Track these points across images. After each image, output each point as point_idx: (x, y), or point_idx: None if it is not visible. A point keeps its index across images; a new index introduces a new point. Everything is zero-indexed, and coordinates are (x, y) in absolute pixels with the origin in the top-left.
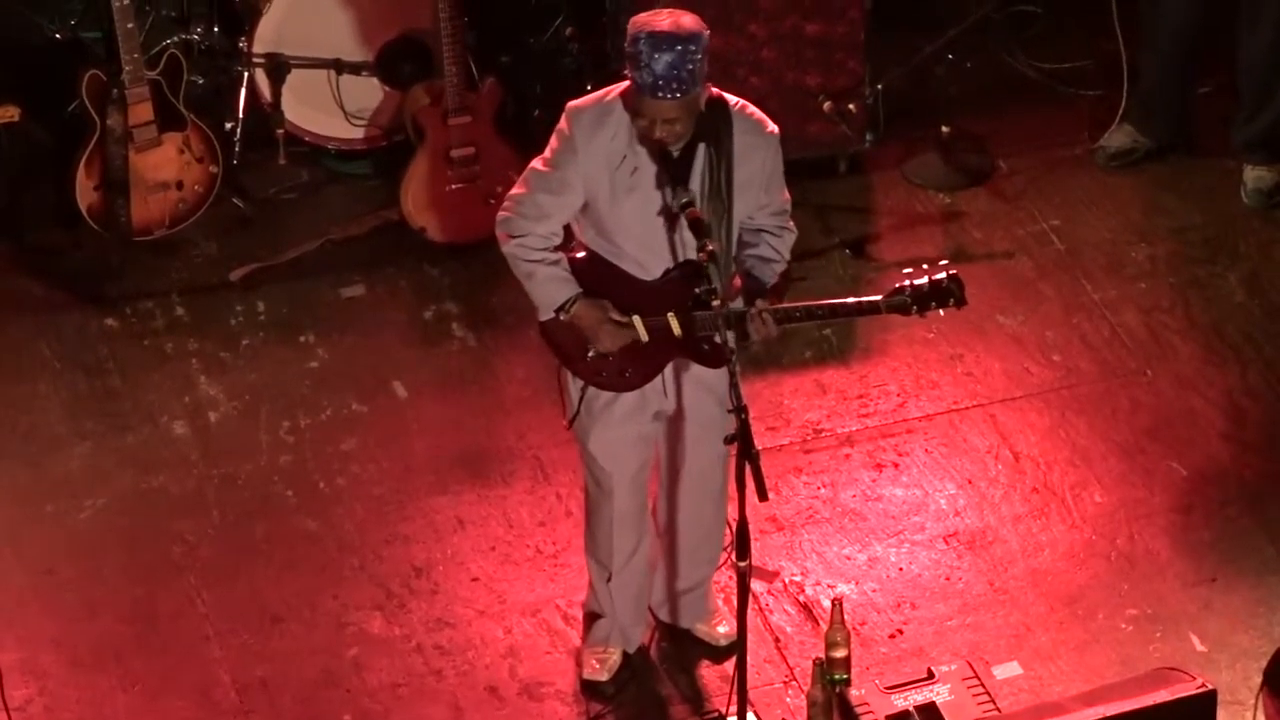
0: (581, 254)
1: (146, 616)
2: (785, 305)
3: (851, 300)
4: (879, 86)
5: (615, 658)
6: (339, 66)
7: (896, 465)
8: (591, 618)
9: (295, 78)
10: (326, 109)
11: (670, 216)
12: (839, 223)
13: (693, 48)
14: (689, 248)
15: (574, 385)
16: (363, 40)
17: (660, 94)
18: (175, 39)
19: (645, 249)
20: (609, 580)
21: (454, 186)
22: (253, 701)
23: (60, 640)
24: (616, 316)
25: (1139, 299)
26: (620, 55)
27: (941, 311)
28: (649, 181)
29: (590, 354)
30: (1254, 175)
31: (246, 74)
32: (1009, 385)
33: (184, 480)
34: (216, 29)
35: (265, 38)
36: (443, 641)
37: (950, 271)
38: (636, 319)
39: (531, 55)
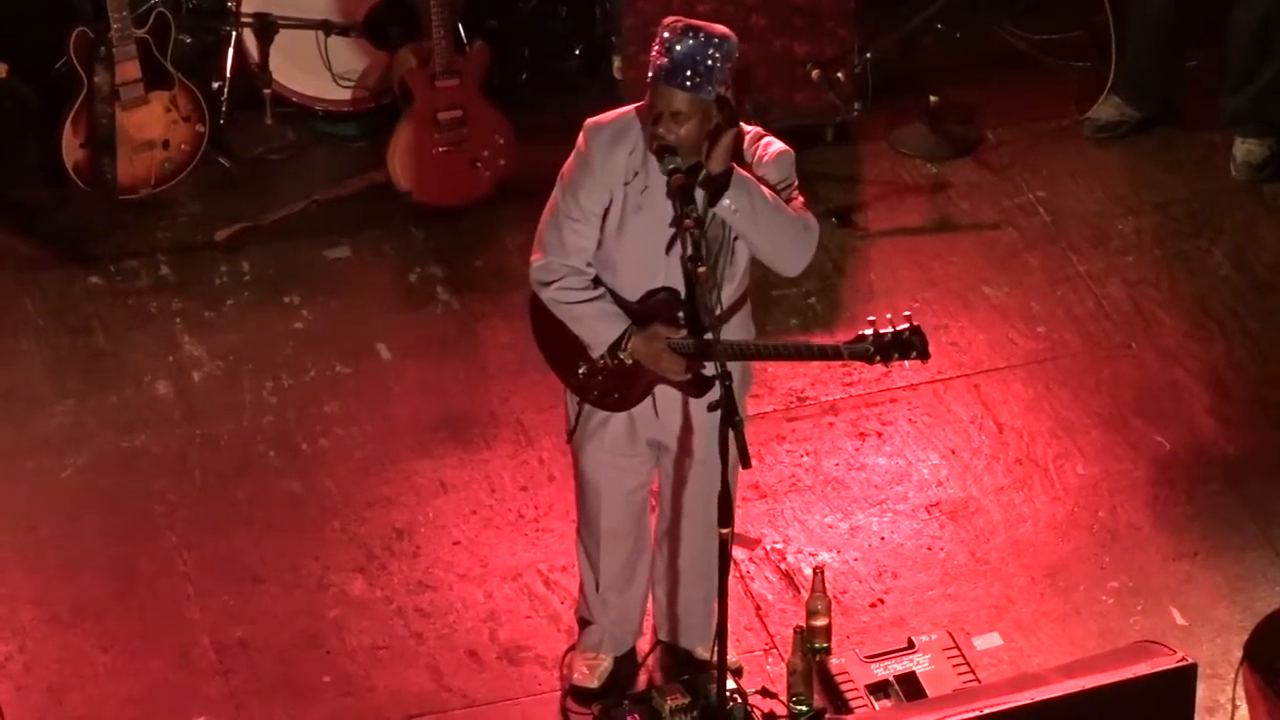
0: None
1: (127, 576)
2: (749, 342)
3: (815, 344)
4: (868, 55)
5: (606, 664)
6: (327, 27)
7: (880, 434)
8: (583, 623)
9: (283, 38)
10: (314, 70)
11: (667, 242)
12: (825, 191)
13: (716, 43)
14: (675, 274)
15: (572, 401)
16: (351, 1)
17: (673, 78)
18: None
19: (641, 271)
20: (598, 589)
21: (441, 149)
22: (232, 662)
23: (40, 598)
24: (674, 340)
25: (1124, 271)
26: (609, 20)
27: (906, 364)
28: (656, 202)
29: (581, 370)
30: (1244, 149)
31: (234, 33)
32: (993, 356)
33: (166, 440)
34: None
35: None
36: (423, 604)
37: (913, 324)
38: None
39: (520, 19)
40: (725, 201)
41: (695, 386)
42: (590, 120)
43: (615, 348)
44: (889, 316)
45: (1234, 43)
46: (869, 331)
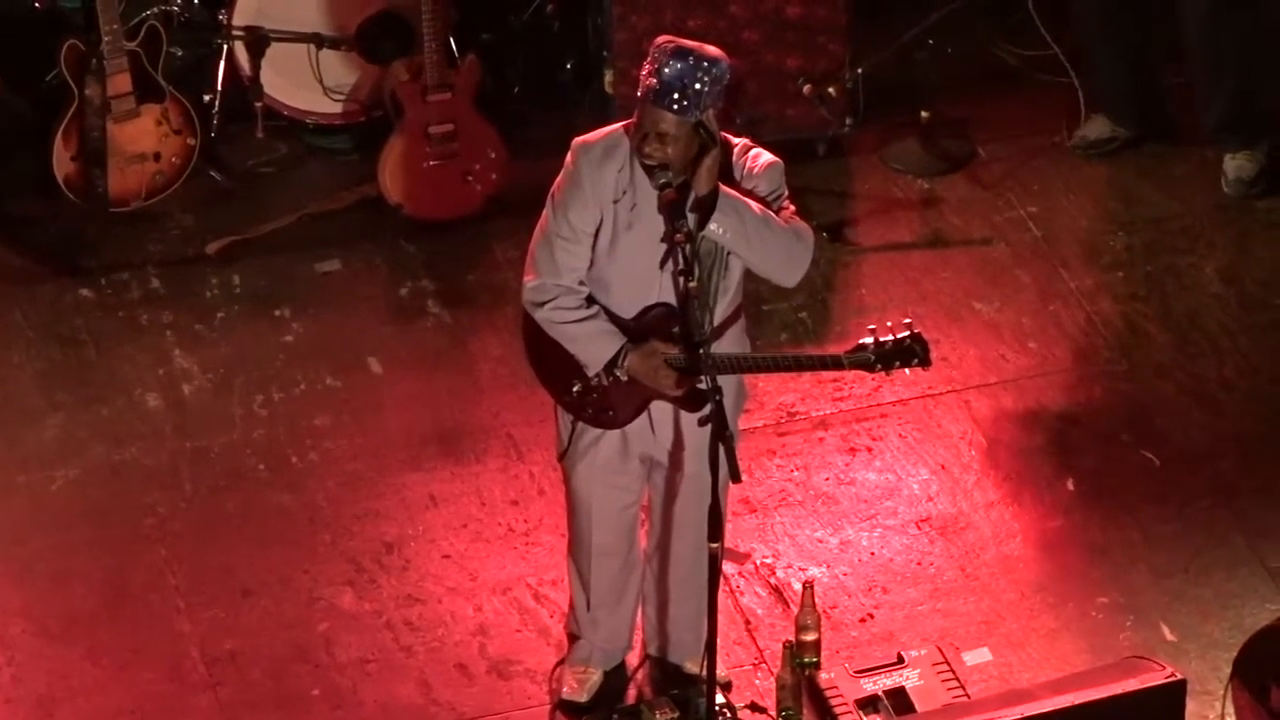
0: None
1: (117, 588)
2: (747, 354)
3: (815, 354)
4: (859, 70)
5: (595, 678)
6: (319, 41)
7: (870, 449)
8: (573, 637)
9: (275, 51)
10: (306, 83)
11: (660, 258)
12: (817, 206)
13: (706, 66)
14: (669, 290)
15: (564, 419)
16: (343, 15)
17: (660, 100)
18: (155, 10)
19: (635, 288)
20: (589, 608)
21: (432, 163)
22: (222, 674)
23: (30, 611)
24: (670, 356)
25: (1115, 288)
26: (601, 35)
27: (907, 371)
28: (646, 218)
29: (576, 389)
30: (1235, 165)
31: (226, 47)
32: (984, 371)
33: (157, 452)
34: (196, 1)
35: (245, 10)
36: (413, 618)
37: (914, 331)
38: None
39: (512, 33)
40: (713, 225)
41: (692, 401)
42: (579, 139)
43: (611, 365)
44: (889, 324)
45: (1189, 58)
46: (869, 340)
